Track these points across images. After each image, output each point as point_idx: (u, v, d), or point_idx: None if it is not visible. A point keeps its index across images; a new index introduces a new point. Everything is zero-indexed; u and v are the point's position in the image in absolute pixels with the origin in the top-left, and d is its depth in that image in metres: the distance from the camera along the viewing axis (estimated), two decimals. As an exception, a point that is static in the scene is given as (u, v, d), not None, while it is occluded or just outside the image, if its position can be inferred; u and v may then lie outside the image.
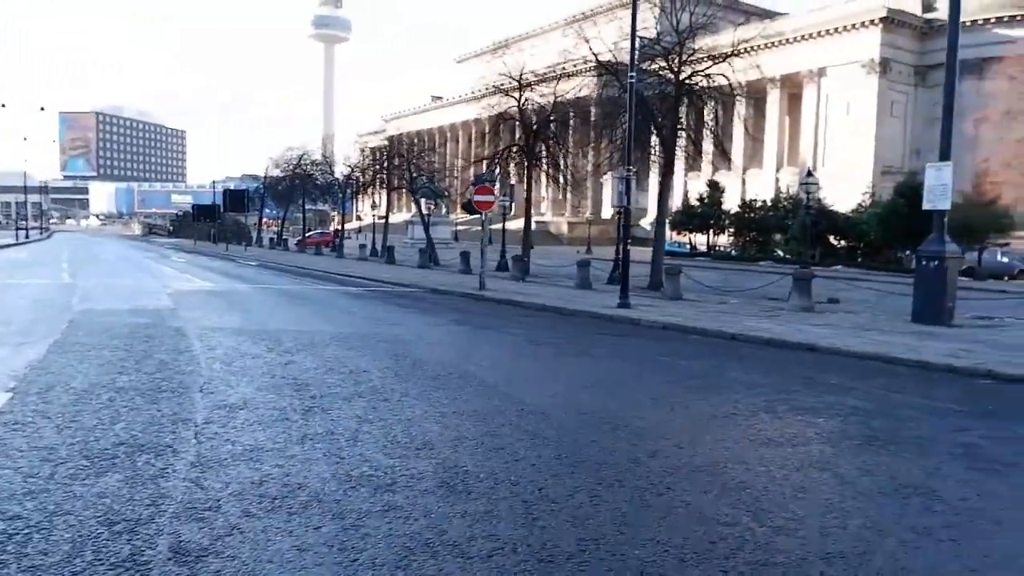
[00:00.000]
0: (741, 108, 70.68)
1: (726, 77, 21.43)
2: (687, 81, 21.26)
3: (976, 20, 55.38)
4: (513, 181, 34.42)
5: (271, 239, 56.53)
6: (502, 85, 27.21)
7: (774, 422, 6.00)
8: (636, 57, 22.22)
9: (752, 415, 6.23)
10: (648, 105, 21.61)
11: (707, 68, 21.54)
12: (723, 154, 23.16)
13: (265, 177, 54.69)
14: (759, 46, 62.87)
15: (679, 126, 21.88)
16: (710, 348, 10.60)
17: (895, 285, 19.34)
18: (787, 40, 62.23)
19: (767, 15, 75.09)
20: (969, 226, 33.36)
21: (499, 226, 39.45)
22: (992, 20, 54.08)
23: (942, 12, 59.04)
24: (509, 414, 5.87)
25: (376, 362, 8.03)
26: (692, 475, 4.48)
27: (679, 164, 56.03)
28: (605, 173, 50.85)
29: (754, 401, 6.78)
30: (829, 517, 3.84)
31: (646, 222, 69.11)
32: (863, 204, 33.68)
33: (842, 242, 35.40)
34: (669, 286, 18.23)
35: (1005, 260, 38.25)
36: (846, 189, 47.72)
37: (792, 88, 64.27)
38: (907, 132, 57.76)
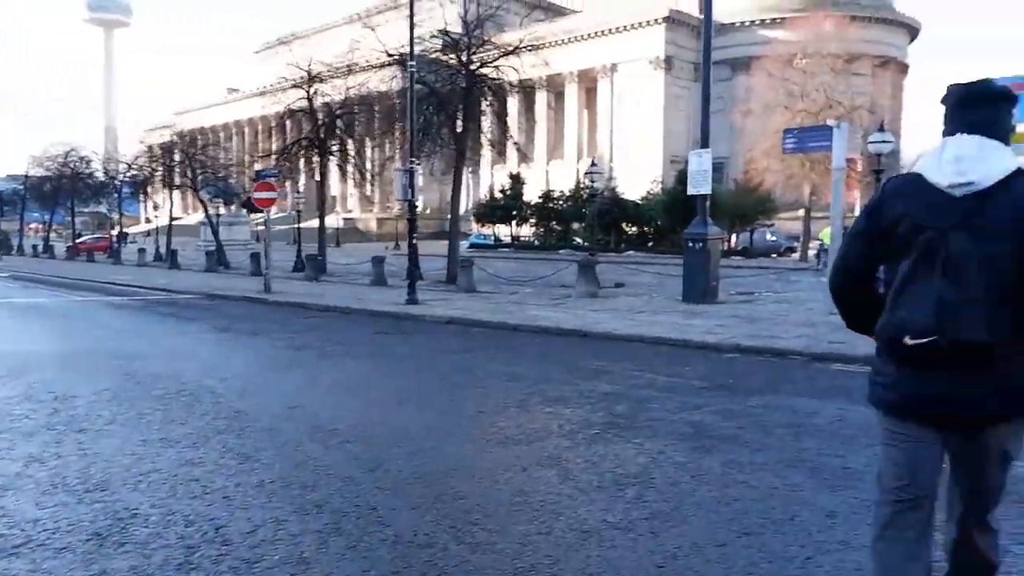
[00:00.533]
0: (542, 101, 72.69)
1: (516, 70, 21.63)
2: (478, 73, 21.22)
3: (744, 21, 61.24)
4: (317, 177, 32.91)
5: (34, 246, 50.03)
6: (293, 78, 25.77)
7: (521, 417, 5.80)
8: (425, 49, 21.98)
9: (502, 411, 6.01)
10: (439, 96, 21.35)
11: (496, 60, 21.62)
12: (516, 146, 23.39)
13: (26, 177, 48.24)
14: (557, 41, 65.67)
15: (472, 118, 21.79)
16: (488, 340, 10.43)
17: (678, 267, 20.54)
18: (582, 37, 65.17)
19: (554, 9, 78.21)
20: (741, 210, 36.76)
21: (308, 224, 37.74)
22: (756, 22, 59.99)
23: (717, 14, 64.62)
24: (229, 435, 5.18)
25: (95, 384, 6.94)
26: (407, 488, 4.09)
27: (485, 157, 56.59)
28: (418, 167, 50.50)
29: (509, 395, 6.58)
30: (537, 523, 3.59)
31: (457, 215, 69.71)
32: (651, 192, 35.88)
33: (633, 228, 37.54)
34: (463, 279, 18.08)
35: (773, 239, 42.59)
36: (639, 178, 50.82)
37: (588, 83, 67.42)
38: (690, 124, 62.57)
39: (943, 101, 2.31)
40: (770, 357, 8.64)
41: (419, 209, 18.45)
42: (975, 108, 2.16)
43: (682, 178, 33.53)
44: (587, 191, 39.29)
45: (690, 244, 14.31)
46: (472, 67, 20.92)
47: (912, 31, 65.71)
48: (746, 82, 42.87)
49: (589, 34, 64.77)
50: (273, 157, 25.81)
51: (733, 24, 62.27)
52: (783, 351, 8.73)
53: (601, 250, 34.25)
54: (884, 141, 14.19)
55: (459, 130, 20.97)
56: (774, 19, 57.37)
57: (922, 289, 2.04)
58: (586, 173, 19.81)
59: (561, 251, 33.95)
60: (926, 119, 35.09)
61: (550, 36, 63.64)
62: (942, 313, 1.99)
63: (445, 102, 20.89)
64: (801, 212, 35.79)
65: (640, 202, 37.44)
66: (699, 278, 14.04)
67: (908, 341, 2.04)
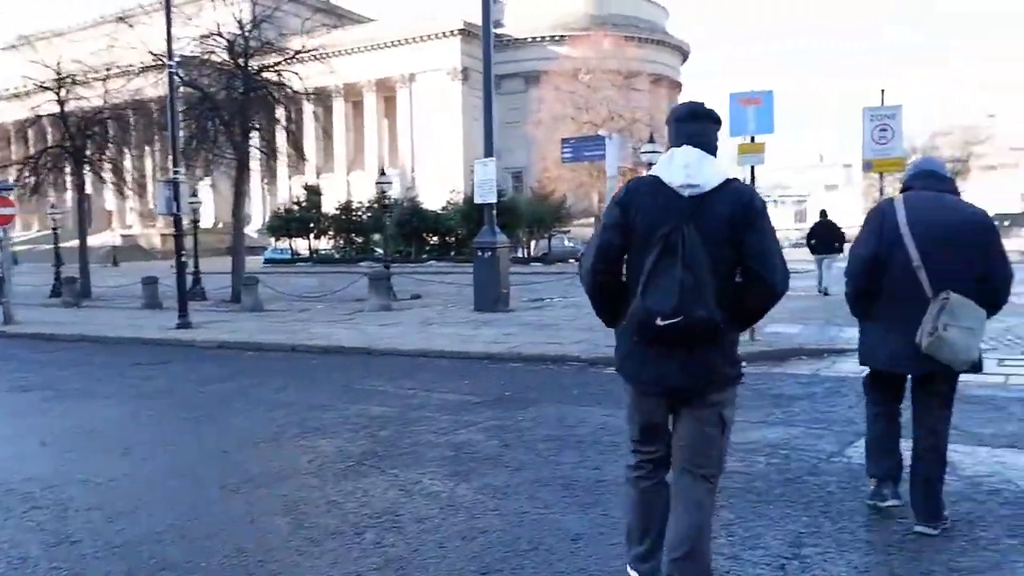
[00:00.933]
0: (341, 110, 70.73)
1: (300, 76, 20.54)
2: (258, 78, 19.88)
3: (536, 37, 63.74)
4: (90, 191, 29.22)
5: None
6: (40, 79, 22.63)
7: (270, 453, 5.19)
8: (204, 51, 20.27)
9: (250, 447, 5.36)
10: (214, 102, 19.73)
11: (278, 65, 20.40)
12: (302, 156, 22.23)
13: None
14: (354, 49, 64.33)
15: (253, 125, 20.36)
16: (260, 364, 9.57)
17: (473, 276, 20.58)
18: (380, 45, 64.39)
19: (345, 16, 76.57)
20: (539, 218, 37.99)
21: (72, 243, 33.32)
22: (548, 38, 62.67)
23: (511, 29, 66.74)
24: None
25: None
26: (92, 566, 3.36)
27: (282, 167, 53.83)
28: (202, 178, 46.75)
29: (265, 428, 5.93)
30: (247, 590, 3.05)
31: (251, 229, 65.80)
32: (452, 201, 35.99)
33: (435, 238, 37.45)
34: (247, 298, 16.77)
35: (570, 245, 44.46)
36: (441, 188, 50.96)
37: (387, 92, 66.71)
38: (489, 135, 64.01)
39: (668, 119, 2.73)
40: (549, 365, 8.65)
41: (212, 224, 16.91)
42: (693, 124, 2.60)
43: (480, 187, 34.12)
44: (386, 201, 38.69)
45: (479, 253, 14.27)
46: (251, 71, 19.56)
47: (684, 53, 71.99)
48: (538, 94, 44.51)
49: (387, 43, 64.12)
50: (14, 168, 22.48)
51: (526, 39, 64.62)
52: (563, 357, 8.79)
53: (401, 261, 33.82)
54: (654, 151, 15.14)
55: (238, 138, 19.49)
56: (562, 36, 60.22)
57: (667, 277, 2.39)
58: (377, 183, 19.18)
59: (362, 263, 32.99)
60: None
61: (346, 43, 62.39)
62: (683, 297, 2.36)
63: (220, 108, 19.33)
64: (592, 219, 37.75)
65: (441, 211, 37.42)
66: (490, 287, 14.02)
67: (659, 322, 2.38)
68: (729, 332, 2.51)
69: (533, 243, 39.57)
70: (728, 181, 2.51)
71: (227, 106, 19.36)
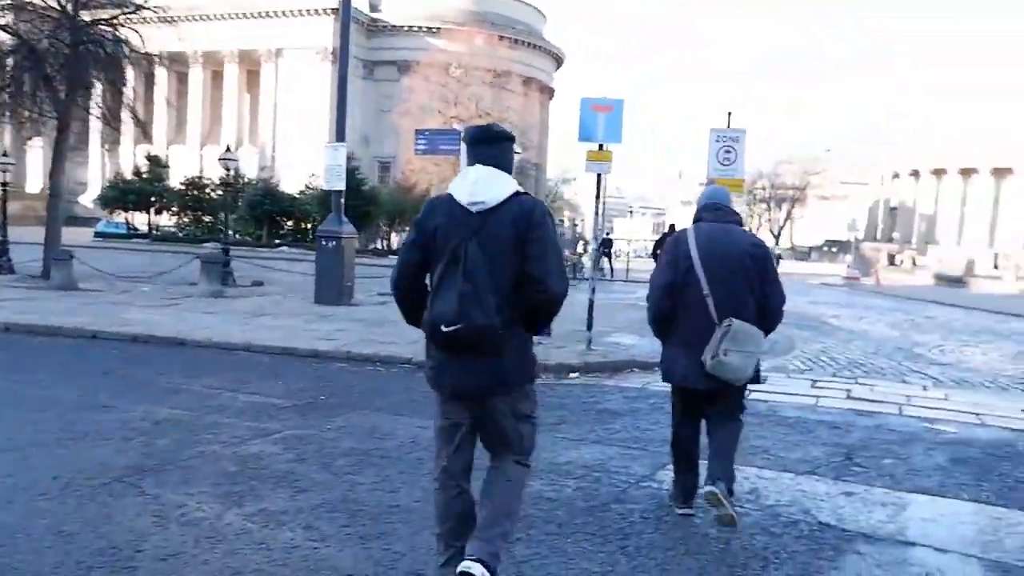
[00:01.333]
0: (199, 78, 66.33)
1: (138, 32, 18.66)
2: (93, 32, 17.85)
3: (412, 26, 62.69)
4: None
5: None
6: None
7: (10, 467, 4.36)
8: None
9: (-13, 458, 4.48)
10: (35, 52, 17.53)
11: (114, 19, 18.44)
12: (138, 123, 20.32)
13: None
14: (218, 15, 60.41)
15: (80, 83, 18.27)
16: (48, 352, 8.40)
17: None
18: (247, 14, 60.84)
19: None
20: (400, 209, 37.16)
21: None
22: (424, 29, 61.70)
23: (386, 14, 65.17)
24: None
25: None
26: None
27: (128, 134, 49.53)
28: (31, 137, 42.00)
29: (19, 433, 5.04)
30: None
31: (88, 199, 60.30)
32: (311, 185, 34.39)
33: (290, 223, 35.68)
34: (58, 274, 14.99)
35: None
36: (303, 171, 48.74)
37: (253, 65, 63.24)
38: (357, 119, 62.20)
39: (463, 140, 3.08)
40: (378, 366, 8.14)
41: (40, 189, 14.81)
42: (484, 146, 2.78)
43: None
44: (240, 180, 36.56)
45: (323, 242, 13.47)
46: (82, 23, 17.54)
47: (558, 59, 73.29)
48: (410, 83, 43.61)
49: (253, 13, 60.70)
50: None
51: (402, 28, 63.39)
52: (392, 359, 8.30)
53: (252, 245, 31.92)
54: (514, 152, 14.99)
55: (61, 96, 17.43)
56: (438, 28, 59.47)
57: (449, 287, 2.56)
58: (221, 159, 17.79)
59: (207, 244, 30.82)
60: (570, 139, 39.04)
61: (206, 8, 58.49)
62: (462, 305, 2.51)
63: (42, 59, 17.20)
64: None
65: (298, 195, 35.64)
66: (333, 279, 13.26)
67: (443, 328, 2.54)
68: (514, 337, 2.65)
69: (394, 235, 38.63)
70: (515, 195, 2.69)
71: (50, 58, 17.27)
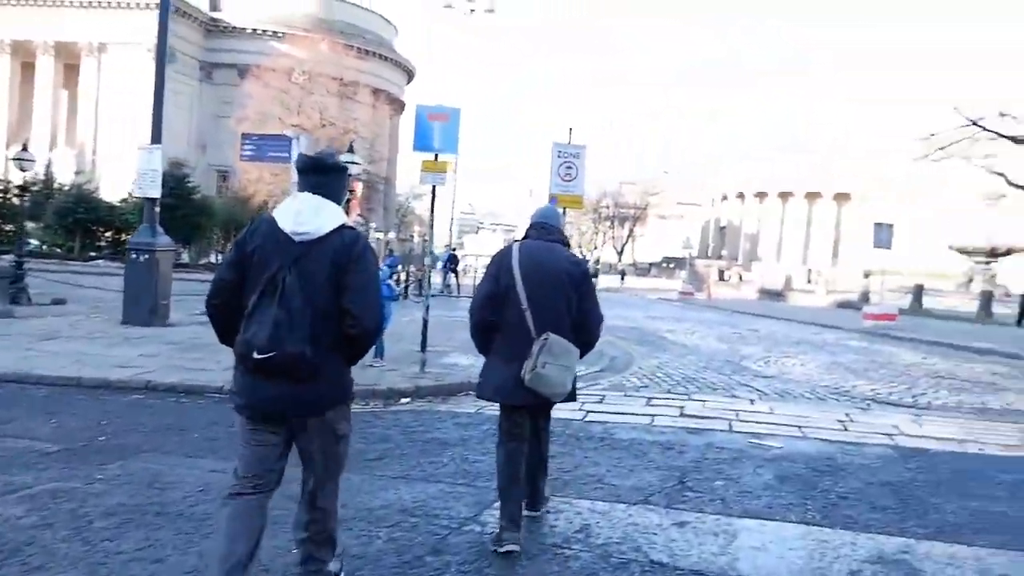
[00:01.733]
0: (5, 67, 60.01)
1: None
2: None
3: (255, 29, 59.73)
4: None
5: None
6: None
7: None
8: None
9: None
10: None
11: None
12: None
13: None
14: (26, 1, 54.55)
15: None
16: None
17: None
18: (63, 3, 55.36)
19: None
20: (238, 221, 34.90)
21: None
22: (269, 32, 58.92)
23: (227, 15, 61.62)
24: None
25: None
26: None
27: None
28: None
29: None
30: None
31: None
32: (134, 193, 31.34)
33: (108, 234, 32.37)
34: None
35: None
36: (128, 177, 44.68)
37: (71, 59, 57.55)
38: (193, 125, 58.30)
39: (295, 167, 2.99)
40: (182, 397, 7.18)
41: None
42: (314, 175, 2.79)
43: (173, 181, 30.27)
44: (50, 184, 32.90)
45: (134, 255, 12.06)
46: None
47: (409, 72, 72.62)
48: (250, 88, 41.31)
49: (72, 2, 55.34)
50: None
51: (244, 30, 60.26)
52: (201, 389, 7.37)
53: (62, 257, 28.67)
54: (351, 161, 14.19)
55: None
56: (284, 33, 57.05)
57: (264, 314, 2.61)
58: (14, 159, 15.64)
59: (5, 256, 27.29)
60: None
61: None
62: (276, 333, 2.57)
63: None
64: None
65: (119, 204, 32.43)
66: (144, 296, 11.87)
67: (256, 356, 2.59)
68: (328, 364, 2.68)
69: (228, 248, 36.13)
70: (340, 228, 2.72)
71: None
